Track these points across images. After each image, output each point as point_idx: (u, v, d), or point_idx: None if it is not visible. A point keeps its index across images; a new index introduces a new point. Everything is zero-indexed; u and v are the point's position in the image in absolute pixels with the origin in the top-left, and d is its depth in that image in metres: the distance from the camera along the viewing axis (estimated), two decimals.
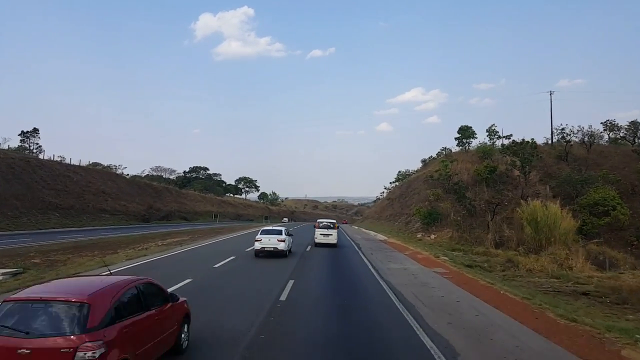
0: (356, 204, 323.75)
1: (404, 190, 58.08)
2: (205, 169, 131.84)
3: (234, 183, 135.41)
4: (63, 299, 4.60)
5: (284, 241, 19.86)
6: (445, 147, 57.23)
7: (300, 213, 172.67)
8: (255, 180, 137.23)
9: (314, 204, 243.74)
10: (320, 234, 26.63)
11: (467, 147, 53.75)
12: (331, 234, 26.58)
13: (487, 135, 52.76)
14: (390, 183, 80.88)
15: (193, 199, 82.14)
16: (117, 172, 70.05)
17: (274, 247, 19.56)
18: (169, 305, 6.15)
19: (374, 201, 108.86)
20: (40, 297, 4.68)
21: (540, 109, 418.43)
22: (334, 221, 29.43)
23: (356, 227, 65.24)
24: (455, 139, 54.45)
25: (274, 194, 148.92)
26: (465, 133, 53.29)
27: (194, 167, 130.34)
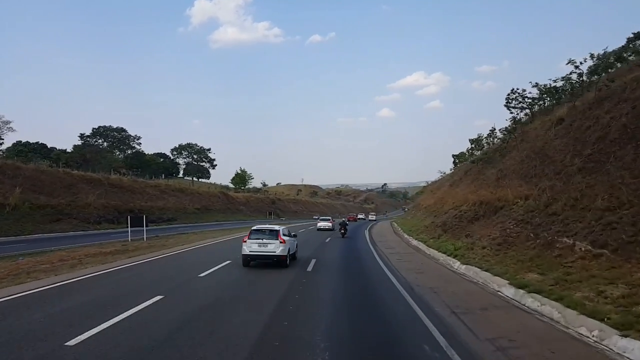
0: (363, 189, 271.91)
1: None
2: (121, 129, 77.87)
3: (171, 155, 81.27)
4: None
5: None
6: None
7: (290, 202, 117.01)
8: (208, 149, 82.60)
9: (313, 190, 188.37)
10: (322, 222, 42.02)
11: None
12: (329, 224, 40.76)
13: None
14: (520, 108, 26.06)
15: None
16: None
17: None
18: None
19: (449, 173, 49.89)
20: None
21: None
22: (330, 217, 50.41)
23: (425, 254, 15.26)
24: None
25: (244, 171, 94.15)
26: None
27: (98, 127, 76.29)
